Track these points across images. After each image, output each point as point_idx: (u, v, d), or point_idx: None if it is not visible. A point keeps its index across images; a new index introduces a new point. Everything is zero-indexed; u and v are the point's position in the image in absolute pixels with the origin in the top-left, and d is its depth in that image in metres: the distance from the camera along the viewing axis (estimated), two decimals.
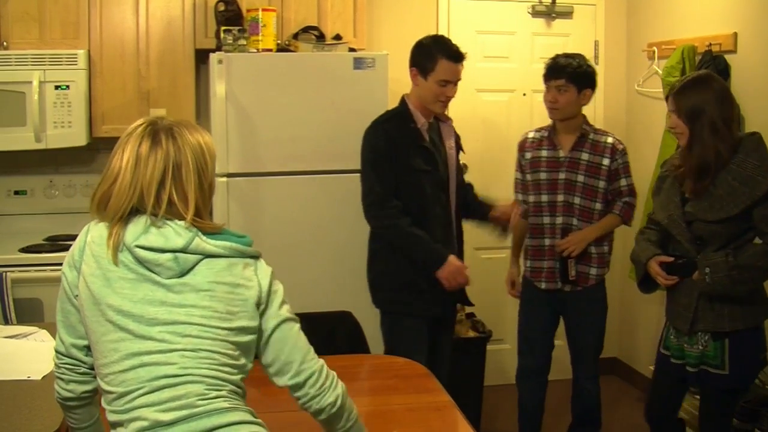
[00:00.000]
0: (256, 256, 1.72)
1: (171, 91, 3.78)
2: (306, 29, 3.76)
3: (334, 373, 1.77)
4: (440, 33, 4.31)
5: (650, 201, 3.29)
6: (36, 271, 3.43)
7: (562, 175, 3.26)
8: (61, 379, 1.69)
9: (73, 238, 4.19)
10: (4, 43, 3.59)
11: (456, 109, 4.36)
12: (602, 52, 4.50)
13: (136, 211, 1.63)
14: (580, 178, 3.25)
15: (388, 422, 2.09)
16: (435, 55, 2.99)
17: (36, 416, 1.80)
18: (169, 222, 1.62)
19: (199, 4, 3.76)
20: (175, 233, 1.61)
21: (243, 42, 3.53)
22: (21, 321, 3.28)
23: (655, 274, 2.75)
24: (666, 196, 2.75)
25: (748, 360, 2.67)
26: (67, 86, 3.60)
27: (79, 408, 1.71)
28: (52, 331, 2.35)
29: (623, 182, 3.31)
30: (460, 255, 3.21)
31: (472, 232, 4.42)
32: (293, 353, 1.71)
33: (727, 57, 3.51)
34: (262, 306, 1.68)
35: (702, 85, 2.63)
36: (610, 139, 3.30)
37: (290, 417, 1.98)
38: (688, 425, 3.29)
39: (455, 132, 3.26)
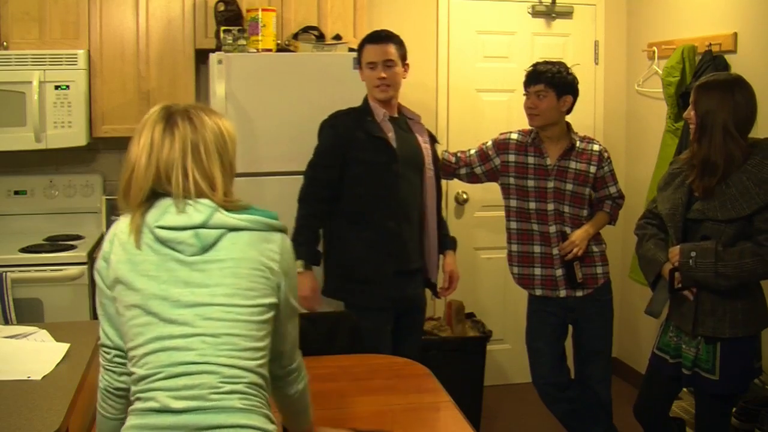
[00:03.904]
0: (281, 230, 1.69)
1: (171, 91, 3.78)
2: (306, 29, 3.76)
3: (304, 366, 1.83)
4: (440, 33, 4.33)
5: (648, 201, 3.29)
6: (36, 271, 3.43)
7: (550, 184, 3.25)
8: (113, 371, 1.68)
9: (73, 238, 4.20)
10: (4, 43, 3.59)
11: (456, 109, 4.37)
12: (602, 52, 4.50)
13: (159, 195, 1.63)
14: (569, 186, 3.25)
15: (388, 422, 2.09)
16: (361, 44, 3.11)
17: (36, 416, 1.79)
18: (191, 201, 1.61)
19: (199, 4, 3.76)
20: (195, 210, 1.60)
21: (243, 42, 3.53)
22: (21, 321, 3.28)
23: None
24: (674, 191, 2.74)
25: (739, 367, 2.66)
26: (67, 86, 3.60)
27: (126, 398, 1.69)
28: (52, 331, 2.36)
29: (612, 189, 3.35)
30: (441, 249, 3.23)
31: (473, 231, 4.44)
32: (287, 343, 1.73)
33: (727, 57, 3.51)
34: (282, 283, 1.66)
35: (726, 90, 2.60)
36: (596, 147, 3.32)
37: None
38: (688, 425, 3.29)
39: (427, 129, 3.24)
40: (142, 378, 1.55)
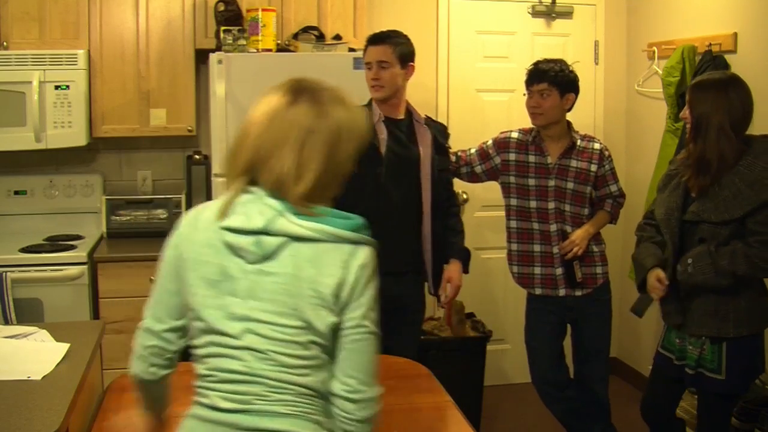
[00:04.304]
0: (354, 241, 1.53)
1: (171, 91, 3.78)
2: (306, 29, 3.76)
3: (379, 406, 1.60)
4: (440, 33, 4.33)
5: (649, 201, 3.30)
6: (36, 271, 3.43)
7: (551, 183, 3.25)
8: (144, 361, 1.66)
9: (73, 238, 4.20)
10: (4, 43, 3.59)
11: (456, 109, 4.37)
12: (602, 52, 4.50)
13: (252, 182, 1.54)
14: (570, 185, 3.25)
15: (388, 422, 2.08)
16: (365, 45, 3.13)
17: (36, 416, 1.79)
18: (263, 197, 1.51)
19: (199, 4, 3.76)
20: (258, 211, 1.50)
21: (243, 42, 3.53)
22: (21, 321, 3.29)
23: (651, 287, 2.76)
24: (669, 194, 2.75)
25: (745, 366, 2.67)
26: (67, 86, 3.60)
27: (154, 388, 1.71)
28: (52, 331, 2.36)
29: (613, 187, 3.35)
30: (446, 257, 3.18)
31: (473, 231, 4.43)
32: (356, 369, 1.54)
33: (727, 57, 3.51)
34: (342, 300, 1.51)
35: (720, 90, 2.60)
36: (597, 145, 3.32)
37: None
38: (688, 425, 3.29)
39: (442, 133, 3.21)
40: (202, 375, 1.57)
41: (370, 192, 2.99)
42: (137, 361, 1.67)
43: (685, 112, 2.69)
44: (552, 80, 3.17)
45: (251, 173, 1.54)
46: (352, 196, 2.98)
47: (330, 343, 1.53)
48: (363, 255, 1.53)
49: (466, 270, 3.23)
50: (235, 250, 1.51)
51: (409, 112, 3.15)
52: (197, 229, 1.58)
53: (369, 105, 3.10)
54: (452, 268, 3.21)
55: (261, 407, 1.50)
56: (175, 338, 1.64)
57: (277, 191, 1.51)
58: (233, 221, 1.51)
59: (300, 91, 1.57)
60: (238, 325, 1.51)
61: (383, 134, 3.04)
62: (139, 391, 1.75)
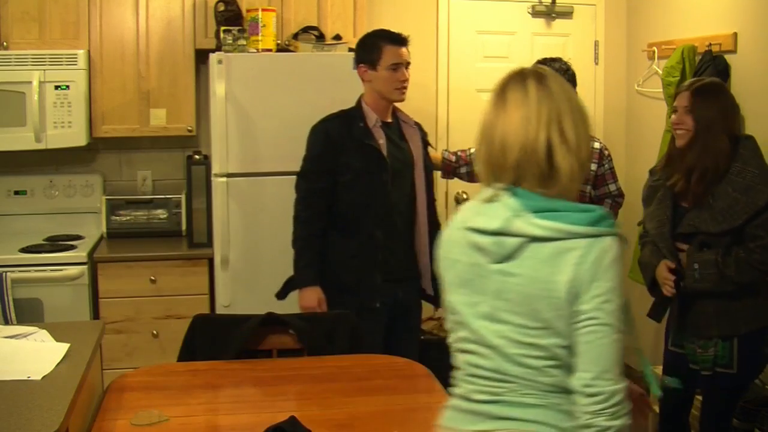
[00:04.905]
0: (593, 236, 1.50)
1: (171, 91, 3.78)
2: (306, 29, 3.76)
3: (627, 403, 1.52)
4: (440, 33, 4.33)
5: None
6: (36, 271, 3.43)
7: None
8: None
9: (73, 238, 4.19)
10: (4, 43, 3.59)
11: (456, 109, 4.37)
12: (602, 52, 4.50)
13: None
14: None
15: (388, 422, 2.09)
16: (378, 44, 3.00)
17: (36, 416, 1.79)
18: (504, 197, 1.55)
19: (199, 4, 3.76)
20: (497, 212, 1.54)
21: (243, 42, 3.53)
22: (21, 321, 3.29)
23: (661, 279, 2.76)
24: (657, 207, 2.76)
25: (756, 357, 2.71)
26: (67, 86, 3.60)
27: None
28: (52, 331, 2.36)
29: (612, 187, 3.36)
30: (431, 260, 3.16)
31: None
32: (590, 362, 1.49)
33: (727, 57, 3.51)
34: (576, 295, 1.49)
35: (721, 94, 2.66)
36: (597, 145, 3.32)
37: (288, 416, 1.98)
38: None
39: (421, 132, 3.19)
40: (456, 368, 1.66)
41: (377, 199, 2.98)
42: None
43: (681, 117, 2.68)
44: None
45: (514, 172, 1.56)
46: (361, 205, 3.00)
47: (571, 340, 1.52)
48: (599, 248, 1.50)
49: None
50: (479, 250, 1.57)
51: (394, 113, 3.12)
52: (451, 229, 1.66)
53: (355, 110, 3.05)
54: None
55: (511, 399, 1.56)
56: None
57: (538, 187, 1.54)
58: (477, 222, 1.58)
59: (538, 77, 1.59)
60: (485, 324, 1.57)
61: (382, 139, 3.01)
62: None
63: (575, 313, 1.49)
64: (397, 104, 3.11)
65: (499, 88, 1.62)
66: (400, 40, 3.01)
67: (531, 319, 1.52)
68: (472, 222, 1.58)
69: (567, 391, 1.53)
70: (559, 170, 1.53)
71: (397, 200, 3.04)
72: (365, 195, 2.98)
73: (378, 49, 2.99)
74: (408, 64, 3.02)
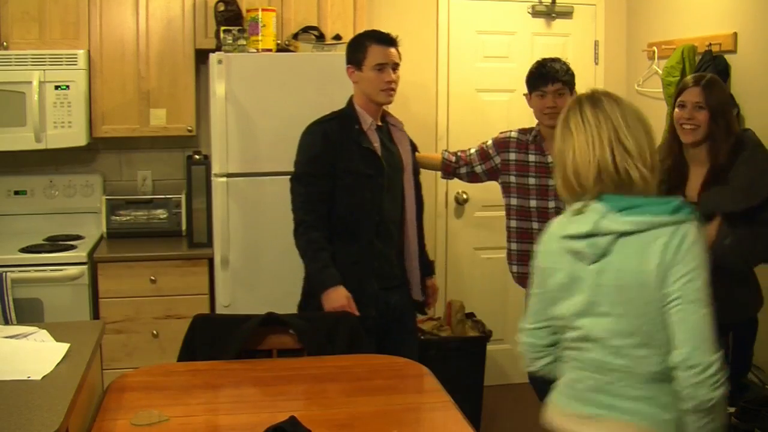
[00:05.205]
0: (675, 224, 1.68)
1: (171, 91, 3.78)
2: (306, 29, 3.76)
3: (725, 372, 1.65)
4: (440, 33, 4.33)
5: None
6: (36, 271, 3.43)
7: (551, 182, 3.25)
8: (525, 356, 1.97)
9: (73, 238, 4.20)
10: (4, 43, 3.59)
11: (456, 109, 4.37)
12: (602, 52, 4.50)
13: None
14: None
15: (388, 422, 2.09)
16: (364, 43, 2.95)
17: (36, 416, 1.79)
18: (589, 204, 1.76)
19: (199, 4, 3.76)
20: (586, 217, 1.74)
21: (243, 42, 3.53)
22: (21, 321, 3.29)
23: None
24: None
25: (748, 346, 2.77)
26: (67, 86, 3.61)
27: (540, 378, 1.99)
28: (52, 331, 2.36)
29: None
30: (424, 266, 3.15)
31: (473, 232, 4.44)
32: (684, 338, 1.65)
33: (727, 57, 3.51)
34: (664, 280, 1.66)
35: (724, 87, 2.76)
36: None
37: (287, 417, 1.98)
38: None
39: (408, 136, 3.15)
40: (566, 362, 1.86)
41: (375, 203, 2.95)
42: (525, 359, 1.98)
43: (693, 113, 2.70)
44: (564, 79, 3.18)
45: (594, 189, 1.77)
46: (360, 209, 2.98)
47: (664, 326, 1.67)
48: (681, 234, 1.67)
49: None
50: (576, 254, 1.76)
51: (383, 116, 3.08)
52: (548, 241, 1.87)
53: (348, 112, 3.00)
54: (431, 280, 3.25)
55: (614, 390, 1.73)
56: (544, 335, 1.91)
57: (626, 191, 1.75)
58: (569, 229, 1.78)
59: (596, 100, 1.82)
60: (588, 321, 1.75)
61: (377, 142, 2.98)
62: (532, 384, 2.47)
63: (665, 295, 1.66)
64: (386, 106, 3.06)
65: (563, 118, 1.85)
66: (386, 40, 2.94)
67: (628, 309, 1.69)
68: (565, 231, 1.79)
69: (664, 380, 1.68)
70: (631, 178, 1.74)
71: (390, 205, 3.01)
72: (365, 199, 2.94)
73: (363, 48, 2.94)
74: (396, 65, 2.96)
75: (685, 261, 1.66)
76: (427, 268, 3.23)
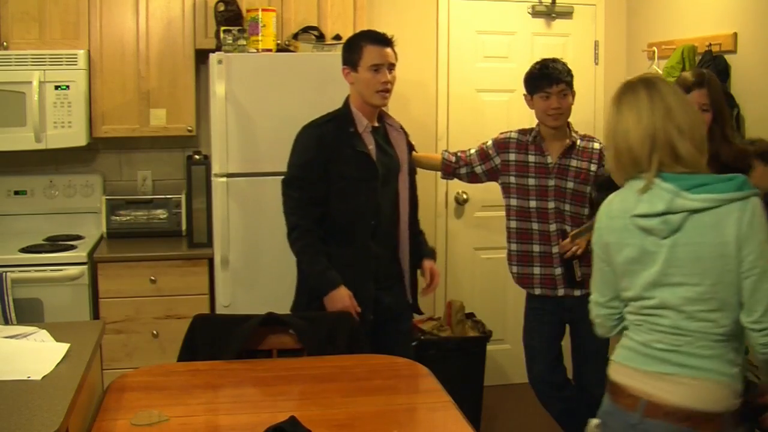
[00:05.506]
0: (742, 199, 1.83)
1: (171, 91, 3.78)
2: (306, 29, 3.76)
3: None
4: (440, 33, 4.33)
5: None
6: (36, 271, 3.43)
7: (551, 182, 3.25)
8: (602, 327, 2.10)
9: (73, 238, 4.20)
10: (4, 43, 3.59)
11: (456, 109, 4.37)
12: (602, 52, 4.50)
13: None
14: (570, 184, 3.24)
15: (388, 422, 2.09)
16: (359, 44, 2.93)
17: (36, 416, 1.79)
18: (659, 183, 1.87)
19: (199, 4, 3.76)
20: (659, 197, 1.86)
21: (243, 42, 3.53)
22: (21, 321, 3.29)
23: None
24: None
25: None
26: (67, 86, 3.61)
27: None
28: (52, 331, 2.36)
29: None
30: (414, 268, 3.13)
31: (473, 232, 4.44)
32: (756, 303, 1.82)
33: (727, 57, 3.51)
34: (740, 250, 1.81)
35: (718, 82, 2.75)
36: (596, 145, 3.31)
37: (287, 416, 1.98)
38: None
39: (406, 136, 3.14)
40: (636, 325, 1.97)
41: (369, 207, 2.94)
42: (597, 328, 2.12)
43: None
44: (567, 80, 3.18)
45: (647, 163, 1.90)
46: (354, 213, 2.97)
47: (738, 291, 1.84)
48: (750, 207, 1.83)
49: None
50: (647, 231, 1.88)
51: (381, 117, 3.06)
52: (612, 218, 1.97)
53: (344, 114, 2.98)
54: (430, 263, 3.18)
55: (687, 350, 1.87)
56: (617, 304, 2.03)
57: (685, 169, 1.88)
58: (641, 208, 1.89)
59: (646, 84, 1.96)
60: (662, 290, 1.88)
61: (372, 145, 2.96)
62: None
63: (740, 265, 1.82)
64: (384, 107, 3.04)
65: (615, 99, 1.98)
66: (382, 40, 2.92)
67: (704, 278, 1.83)
68: (636, 210, 1.89)
69: (731, 339, 1.86)
70: (681, 154, 1.88)
71: (384, 207, 3.00)
72: (358, 203, 2.93)
73: (359, 49, 2.92)
74: (392, 65, 2.94)
75: (758, 232, 1.82)
76: (426, 252, 3.19)
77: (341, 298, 2.84)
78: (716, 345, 1.87)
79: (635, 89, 1.95)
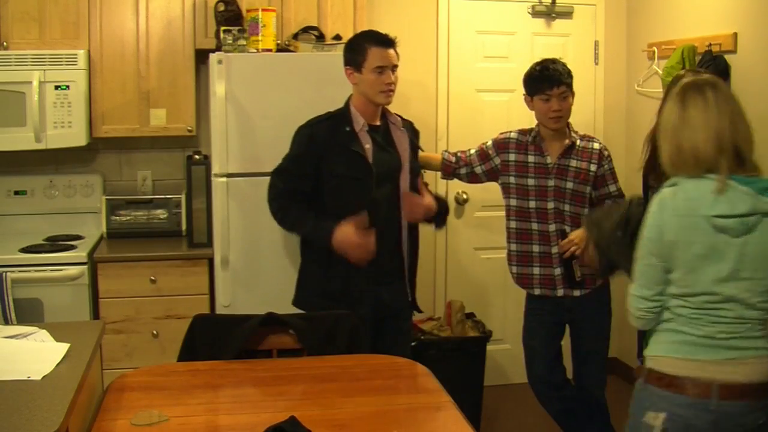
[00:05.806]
0: None
1: (171, 91, 3.78)
2: (306, 29, 3.76)
3: None
4: (440, 33, 4.33)
5: None
6: (36, 271, 3.43)
7: (551, 182, 3.25)
8: (641, 319, 2.18)
9: (73, 238, 4.21)
10: (4, 43, 3.59)
11: (456, 109, 4.37)
12: (602, 52, 4.50)
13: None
14: (569, 185, 3.24)
15: (388, 422, 2.09)
16: (363, 45, 2.95)
17: (36, 416, 1.79)
18: (736, 186, 1.98)
19: (199, 4, 3.76)
20: (740, 199, 1.98)
21: (243, 42, 3.53)
22: (21, 321, 3.29)
23: None
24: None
25: None
26: (67, 86, 3.61)
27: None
28: (52, 331, 2.36)
29: (612, 188, 3.34)
30: (412, 265, 3.15)
31: (473, 232, 4.44)
32: None
33: (727, 57, 3.51)
34: None
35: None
36: (596, 145, 3.31)
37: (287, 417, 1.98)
38: None
39: (413, 132, 3.16)
40: (694, 319, 2.08)
41: (361, 205, 2.94)
42: (637, 320, 2.20)
43: None
44: (568, 82, 3.18)
45: (713, 164, 2.00)
46: (347, 211, 2.97)
47: None
48: None
49: (440, 223, 3.25)
50: (721, 230, 1.99)
51: (383, 115, 3.08)
52: (681, 216, 2.04)
53: (342, 113, 3.01)
54: (430, 198, 3.12)
55: (746, 334, 2.06)
56: (660, 297, 2.12)
57: (746, 173, 2.00)
58: (719, 209, 1.99)
59: (709, 84, 2.06)
60: (729, 284, 2.02)
61: (368, 143, 2.97)
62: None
63: None
64: (388, 106, 3.06)
65: (678, 96, 2.06)
66: (386, 42, 2.95)
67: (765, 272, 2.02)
68: (713, 210, 1.99)
69: None
70: (744, 158, 2.00)
71: (383, 206, 3.00)
72: (352, 202, 2.94)
73: (363, 50, 2.95)
74: (395, 66, 2.96)
75: None
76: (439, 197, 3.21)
77: (345, 235, 2.86)
78: (765, 327, 2.08)
79: (702, 90, 2.03)
